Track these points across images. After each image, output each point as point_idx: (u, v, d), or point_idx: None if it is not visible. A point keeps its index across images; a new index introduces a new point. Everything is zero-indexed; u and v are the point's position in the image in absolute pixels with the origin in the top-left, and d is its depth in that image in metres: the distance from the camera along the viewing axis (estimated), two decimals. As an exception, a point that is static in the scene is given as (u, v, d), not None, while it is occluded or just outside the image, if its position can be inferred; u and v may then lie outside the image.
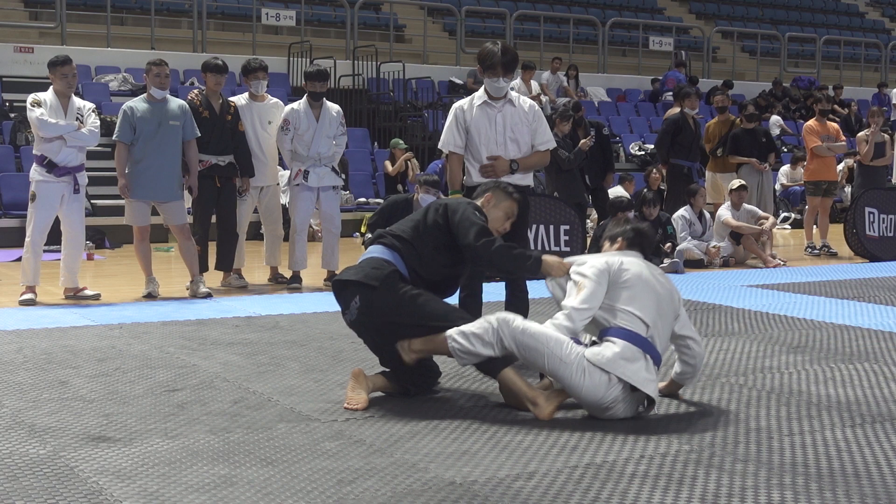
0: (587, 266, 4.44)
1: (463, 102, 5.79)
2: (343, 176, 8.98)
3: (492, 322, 4.34)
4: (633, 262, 4.47)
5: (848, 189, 15.62)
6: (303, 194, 8.48)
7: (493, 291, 5.91)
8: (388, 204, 8.89)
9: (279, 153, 8.77)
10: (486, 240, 4.57)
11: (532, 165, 5.84)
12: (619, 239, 4.66)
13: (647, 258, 4.63)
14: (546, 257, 4.60)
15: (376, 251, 4.71)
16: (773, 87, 21.62)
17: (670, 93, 18.24)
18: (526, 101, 5.82)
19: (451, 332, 4.39)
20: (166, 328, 6.46)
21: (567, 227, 9.51)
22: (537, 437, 4.03)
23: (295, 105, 8.55)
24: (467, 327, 4.38)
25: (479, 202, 4.88)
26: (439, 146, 5.87)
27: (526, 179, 5.77)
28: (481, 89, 5.78)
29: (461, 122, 5.71)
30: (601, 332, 4.34)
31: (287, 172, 12.99)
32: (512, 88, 5.83)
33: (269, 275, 8.93)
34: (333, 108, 8.61)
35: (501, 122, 5.68)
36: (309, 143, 8.41)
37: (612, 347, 4.22)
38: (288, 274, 8.67)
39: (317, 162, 8.45)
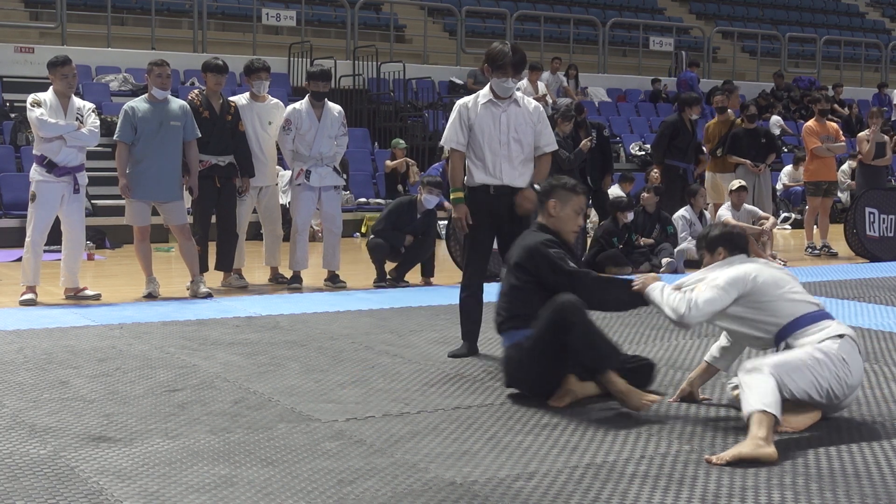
0: (712, 278, 4.35)
1: (467, 100, 5.75)
2: (345, 176, 8.96)
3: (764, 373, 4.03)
4: (754, 266, 4.39)
5: (846, 195, 15.65)
6: (304, 194, 8.48)
7: (495, 291, 5.90)
8: (393, 207, 8.87)
9: (279, 153, 8.78)
10: (584, 283, 4.59)
11: (544, 174, 5.82)
12: (721, 249, 4.52)
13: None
14: (649, 285, 4.48)
15: (504, 341, 4.82)
16: (774, 80, 21.59)
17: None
18: (531, 102, 5.81)
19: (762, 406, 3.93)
20: (167, 328, 6.46)
21: (567, 227, 9.49)
22: (537, 438, 4.03)
23: (297, 105, 8.56)
24: (760, 393, 3.95)
25: (544, 217, 4.85)
26: (441, 143, 5.83)
27: (525, 180, 5.74)
28: (486, 88, 5.74)
29: (465, 120, 5.68)
30: (785, 329, 4.24)
31: (287, 173, 13.03)
32: (518, 89, 5.83)
33: (270, 275, 8.93)
34: (335, 108, 8.62)
35: (506, 121, 5.65)
36: (311, 142, 8.41)
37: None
38: (288, 274, 8.67)
39: (318, 162, 8.45)
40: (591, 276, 4.72)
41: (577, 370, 4.59)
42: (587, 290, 4.59)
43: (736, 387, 4.51)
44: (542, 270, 4.69)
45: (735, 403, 4.54)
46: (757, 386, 3.96)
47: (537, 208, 5.01)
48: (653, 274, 4.75)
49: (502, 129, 5.64)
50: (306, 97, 8.55)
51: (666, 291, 4.41)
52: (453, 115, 5.74)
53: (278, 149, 8.72)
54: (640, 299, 4.54)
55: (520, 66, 5.63)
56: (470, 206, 5.64)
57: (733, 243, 4.53)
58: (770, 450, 3.73)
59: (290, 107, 8.60)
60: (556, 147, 5.95)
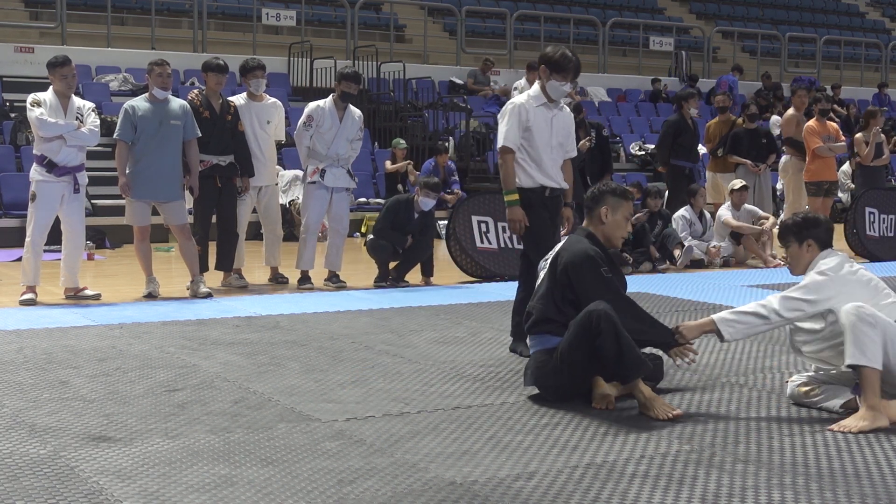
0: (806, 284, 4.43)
1: (521, 101, 5.71)
2: (356, 179, 8.97)
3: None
4: (845, 265, 4.46)
5: (846, 195, 15.66)
6: (317, 193, 8.48)
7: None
8: (390, 206, 8.86)
9: (278, 153, 8.77)
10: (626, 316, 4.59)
11: (570, 181, 5.90)
12: (811, 241, 4.58)
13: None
14: (684, 325, 4.58)
15: (534, 344, 4.79)
16: (762, 80, 21.60)
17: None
18: (566, 107, 5.88)
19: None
20: (166, 328, 6.46)
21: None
22: (537, 437, 4.03)
23: (321, 103, 8.55)
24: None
25: (592, 223, 4.84)
26: (502, 143, 5.70)
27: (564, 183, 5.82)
28: (535, 90, 5.72)
29: (523, 121, 5.65)
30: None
31: (287, 172, 13.06)
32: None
33: (270, 275, 8.93)
34: (356, 111, 8.63)
35: (555, 125, 5.71)
36: (329, 142, 8.42)
37: None
38: (288, 273, 8.66)
39: (334, 162, 8.46)
40: (635, 305, 4.69)
41: (603, 372, 4.59)
42: (623, 315, 4.56)
43: (805, 384, 4.54)
44: (585, 283, 4.64)
45: (799, 400, 4.55)
46: (868, 340, 4.09)
47: (585, 215, 4.95)
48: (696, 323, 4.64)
49: (553, 133, 5.70)
50: (330, 96, 8.55)
51: (736, 311, 4.47)
52: (511, 116, 5.67)
53: (278, 148, 8.71)
54: (672, 341, 4.58)
55: (578, 71, 5.69)
56: (525, 206, 5.62)
57: (821, 238, 4.56)
58: (884, 421, 4.09)
59: (314, 103, 8.58)
60: (576, 153, 6.03)
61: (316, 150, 8.45)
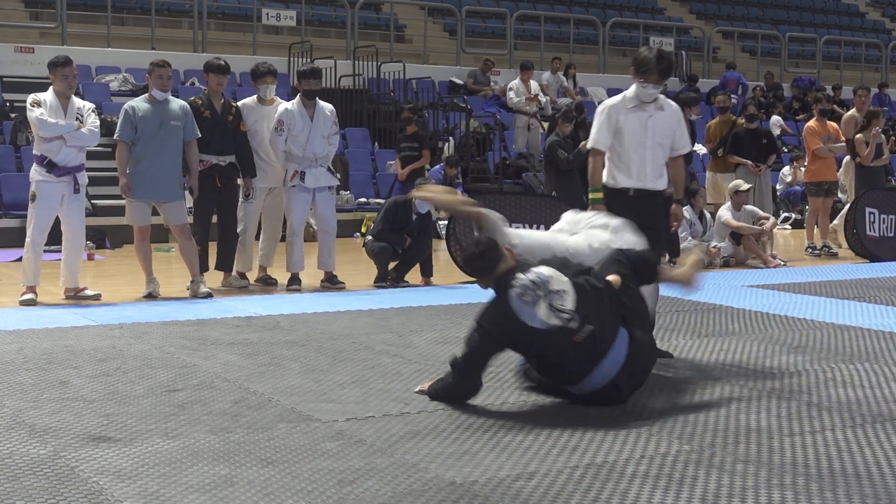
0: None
1: (615, 102, 5.73)
2: (338, 175, 8.92)
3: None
4: None
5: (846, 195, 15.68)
6: (299, 195, 8.45)
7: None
8: (389, 207, 8.83)
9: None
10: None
11: (680, 179, 5.91)
12: None
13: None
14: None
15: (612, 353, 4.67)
16: (765, 79, 21.63)
17: (733, 95, 18.44)
18: (671, 104, 5.84)
19: None
20: (166, 328, 6.46)
21: (567, 228, 9.50)
22: (537, 438, 4.03)
23: (288, 105, 8.50)
24: None
25: None
26: (590, 144, 5.75)
27: (663, 183, 5.82)
28: (632, 90, 5.72)
29: (613, 123, 5.67)
30: None
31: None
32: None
33: (258, 274, 8.76)
34: (327, 107, 8.59)
35: (652, 126, 5.70)
36: (304, 143, 8.38)
37: None
38: (278, 276, 8.64)
39: (312, 162, 8.42)
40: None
41: None
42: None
43: None
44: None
45: None
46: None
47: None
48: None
49: (648, 134, 5.68)
50: (297, 97, 8.52)
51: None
52: (601, 116, 5.70)
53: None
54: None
55: (666, 73, 5.66)
56: (610, 207, 5.61)
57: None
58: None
59: (282, 107, 8.51)
60: (690, 149, 6.02)
61: (292, 153, 8.42)
